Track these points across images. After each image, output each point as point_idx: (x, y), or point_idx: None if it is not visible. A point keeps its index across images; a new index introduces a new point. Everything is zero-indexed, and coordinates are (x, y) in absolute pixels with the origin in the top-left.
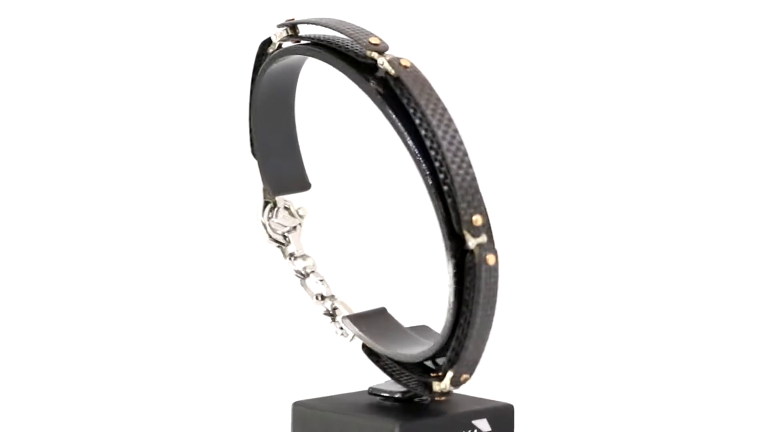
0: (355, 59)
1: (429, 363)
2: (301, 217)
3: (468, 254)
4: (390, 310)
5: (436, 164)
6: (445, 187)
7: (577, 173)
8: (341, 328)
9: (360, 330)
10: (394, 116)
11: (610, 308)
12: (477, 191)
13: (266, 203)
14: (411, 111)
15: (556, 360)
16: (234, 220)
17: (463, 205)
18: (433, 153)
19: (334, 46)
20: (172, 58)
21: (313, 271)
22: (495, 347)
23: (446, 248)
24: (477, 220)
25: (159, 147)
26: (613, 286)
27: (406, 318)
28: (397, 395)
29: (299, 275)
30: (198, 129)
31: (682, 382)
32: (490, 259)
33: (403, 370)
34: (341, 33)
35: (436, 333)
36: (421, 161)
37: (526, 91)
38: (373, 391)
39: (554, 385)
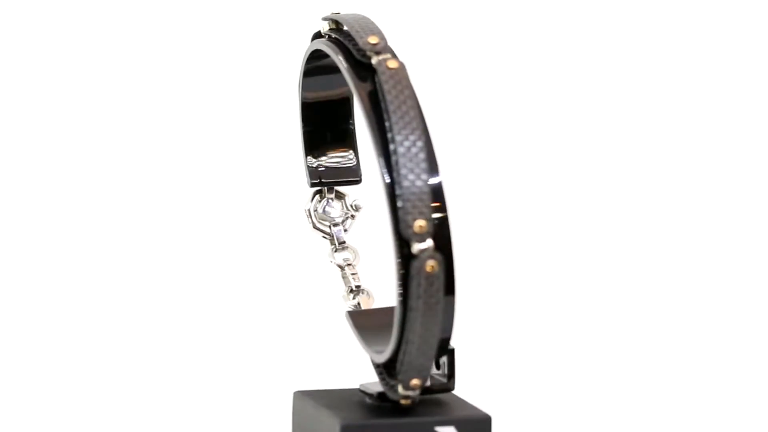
0: (355, 57)
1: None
2: (354, 209)
3: (413, 260)
4: None
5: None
6: (397, 191)
7: (566, 175)
8: None
9: (356, 326)
10: (367, 116)
11: (598, 319)
12: (425, 197)
13: (317, 192)
14: (384, 112)
15: (546, 373)
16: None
17: (409, 210)
18: (393, 156)
19: (344, 42)
20: (208, 53)
21: (349, 264)
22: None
23: (395, 252)
24: (421, 225)
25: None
26: (599, 293)
27: None
28: (374, 395)
29: (339, 267)
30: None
31: (668, 390)
32: (430, 265)
33: (380, 371)
34: (350, 29)
35: None
36: (382, 163)
37: (528, 92)
38: (360, 389)
39: (539, 399)
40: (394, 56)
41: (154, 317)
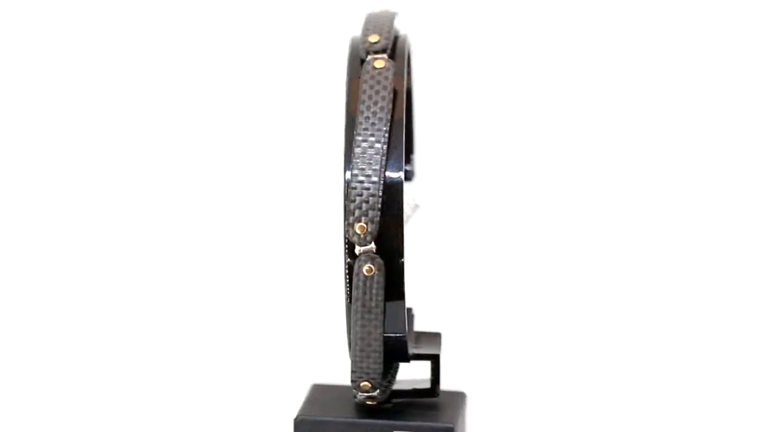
0: (359, 55)
1: None
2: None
3: (355, 261)
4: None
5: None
6: (347, 191)
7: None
8: None
9: None
10: (345, 114)
11: (598, 319)
12: (372, 199)
13: None
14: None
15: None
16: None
17: (353, 211)
18: (352, 155)
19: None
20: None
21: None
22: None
23: (344, 253)
24: (362, 227)
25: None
26: (600, 293)
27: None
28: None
29: None
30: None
31: (668, 391)
32: (367, 268)
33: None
34: (364, 25)
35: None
36: (345, 165)
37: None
38: (352, 386)
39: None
40: (391, 56)
41: (159, 317)
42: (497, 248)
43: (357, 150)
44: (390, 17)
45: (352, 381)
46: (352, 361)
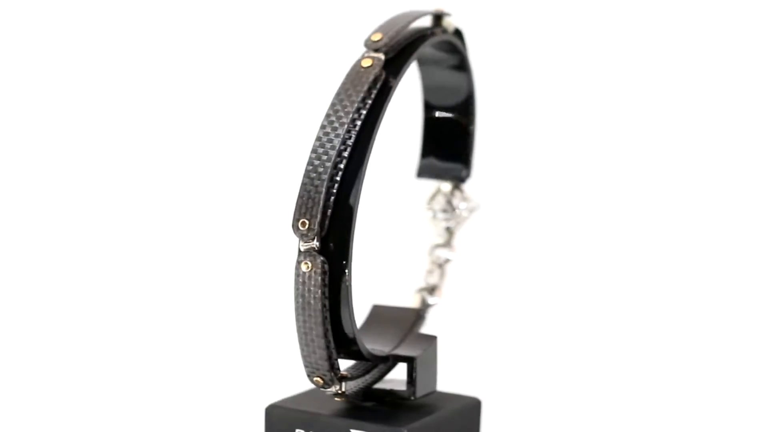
0: None
1: None
2: (457, 209)
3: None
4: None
5: None
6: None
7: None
8: None
9: (367, 320)
10: None
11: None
12: (318, 197)
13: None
14: None
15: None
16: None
17: (298, 207)
18: None
19: None
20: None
21: (439, 265)
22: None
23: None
24: (305, 223)
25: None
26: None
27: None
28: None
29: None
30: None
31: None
32: (305, 265)
33: None
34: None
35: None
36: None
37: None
38: None
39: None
40: (394, 56)
41: (150, 319)
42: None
43: (315, 144)
44: (410, 17)
45: (306, 376)
46: (302, 357)
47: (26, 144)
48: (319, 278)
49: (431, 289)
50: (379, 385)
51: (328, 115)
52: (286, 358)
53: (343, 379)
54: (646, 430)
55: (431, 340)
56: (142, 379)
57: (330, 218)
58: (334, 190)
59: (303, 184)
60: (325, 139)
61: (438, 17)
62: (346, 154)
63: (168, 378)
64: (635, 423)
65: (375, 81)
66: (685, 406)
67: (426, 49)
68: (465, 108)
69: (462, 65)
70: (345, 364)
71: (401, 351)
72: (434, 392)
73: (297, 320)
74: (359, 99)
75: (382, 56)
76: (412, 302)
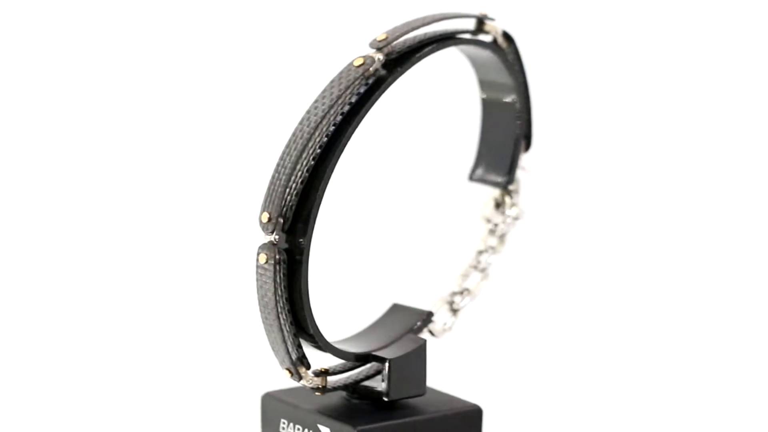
0: None
1: None
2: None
3: None
4: None
5: None
6: None
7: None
8: None
9: (380, 318)
10: None
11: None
12: (280, 191)
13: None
14: None
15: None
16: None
17: (263, 201)
18: None
19: None
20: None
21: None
22: None
23: None
24: (265, 216)
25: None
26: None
27: None
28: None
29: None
30: None
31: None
32: (261, 257)
33: None
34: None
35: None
36: None
37: None
38: None
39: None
40: (399, 56)
41: (150, 310)
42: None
43: (290, 138)
44: (427, 20)
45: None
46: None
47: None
48: (272, 271)
49: (461, 292)
50: (369, 383)
51: (307, 111)
52: None
53: (324, 374)
54: None
55: (419, 342)
56: (149, 370)
57: (294, 212)
58: (301, 185)
59: (270, 177)
60: (299, 134)
61: (480, 21)
62: (319, 149)
63: (173, 367)
64: None
65: (365, 78)
66: (684, 408)
67: (471, 49)
68: (514, 114)
69: (509, 70)
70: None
71: (383, 351)
72: (421, 395)
73: (260, 314)
74: (338, 95)
75: (379, 55)
76: (434, 303)
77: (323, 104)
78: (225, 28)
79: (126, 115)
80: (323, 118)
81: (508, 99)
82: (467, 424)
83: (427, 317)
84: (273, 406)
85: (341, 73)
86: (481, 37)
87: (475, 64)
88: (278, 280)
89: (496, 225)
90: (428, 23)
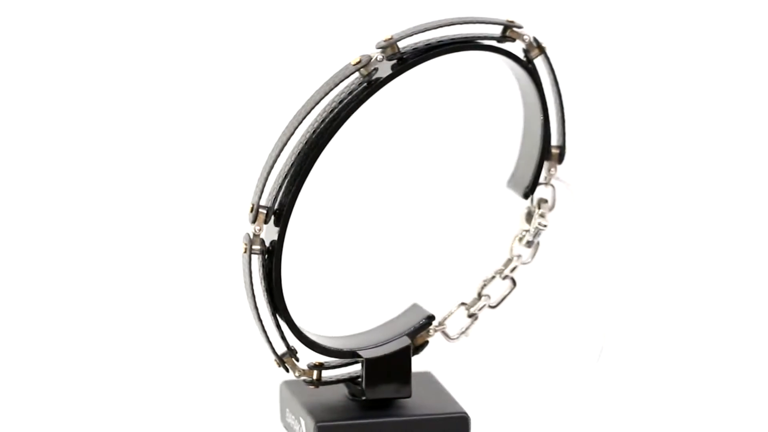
0: None
1: None
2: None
3: None
4: None
5: None
6: None
7: None
8: None
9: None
10: None
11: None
12: (262, 182)
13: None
14: None
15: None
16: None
17: (254, 189)
18: None
19: None
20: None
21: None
22: None
23: None
24: (251, 205)
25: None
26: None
27: None
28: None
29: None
30: None
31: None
32: (242, 245)
33: None
34: None
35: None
36: None
37: None
38: None
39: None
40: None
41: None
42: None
43: (281, 132)
44: (436, 23)
45: None
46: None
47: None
48: (247, 261)
49: (479, 298)
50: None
51: (302, 106)
52: None
53: (318, 367)
54: None
55: (403, 344)
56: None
57: (278, 203)
58: (285, 177)
59: (261, 169)
60: (287, 129)
61: (506, 27)
62: (305, 144)
63: (202, 352)
64: None
65: (362, 77)
66: (682, 413)
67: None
68: (542, 127)
69: (532, 81)
70: None
71: (367, 350)
72: (406, 397)
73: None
74: (325, 92)
75: (379, 55)
76: (449, 307)
77: (313, 100)
78: (247, 27)
79: (135, 115)
80: (308, 114)
81: (536, 110)
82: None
83: (426, 320)
84: (284, 396)
85: (339, 71)
86: (507, 44)
87: (511, 70)
88: (251, 270)
89: (524, 234)
90: (440, 26)
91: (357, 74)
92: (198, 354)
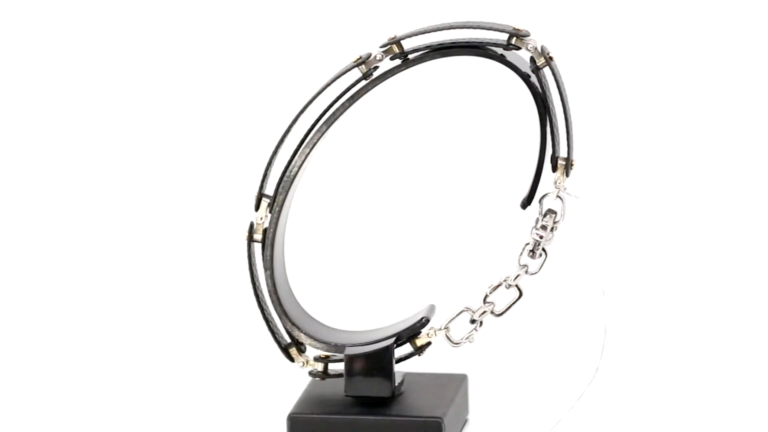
0: None
1: None
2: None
3: None
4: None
5: None
6: None
7: None
8: None
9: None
10: None
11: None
12: (261, 173)
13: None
14: None
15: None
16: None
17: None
18: None
19: None
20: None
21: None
22: None
23: None
24: (255, 195)
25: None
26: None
27: None
28: None
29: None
30: None
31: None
32: (246, 232)
33: None
34: None
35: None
36: None
37: None
38: None
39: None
40: (384, 52)
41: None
42: None
43: (288, 124)
44: (440, 26)
45: None
46: None
47: None
48: (247, 248)
49: (484, 305)
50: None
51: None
52: None
53: (324, 360)
54: None
55: (386, 343)
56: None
57: (275, 193)
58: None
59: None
60: (290, 123)
61: (511, 35)
62: (303, 136)
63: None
64: None
65: (362, 74)
66: (680, 414)
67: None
68: (542, 136)
69: (531, 90)
70: None
71: (355, 348)
72: (385, 397)
73: None
74: (324, 88)
75: (380, 54)
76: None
77: (313, 95)
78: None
79: (140, 117)
80: (308, 105)
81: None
82: None
83: (419, 322)
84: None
85: (338, 69)
86: (512, 52)
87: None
88: (251, 258)
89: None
90: (444, 29)
91: (356, 70)
92: (201, 350)
